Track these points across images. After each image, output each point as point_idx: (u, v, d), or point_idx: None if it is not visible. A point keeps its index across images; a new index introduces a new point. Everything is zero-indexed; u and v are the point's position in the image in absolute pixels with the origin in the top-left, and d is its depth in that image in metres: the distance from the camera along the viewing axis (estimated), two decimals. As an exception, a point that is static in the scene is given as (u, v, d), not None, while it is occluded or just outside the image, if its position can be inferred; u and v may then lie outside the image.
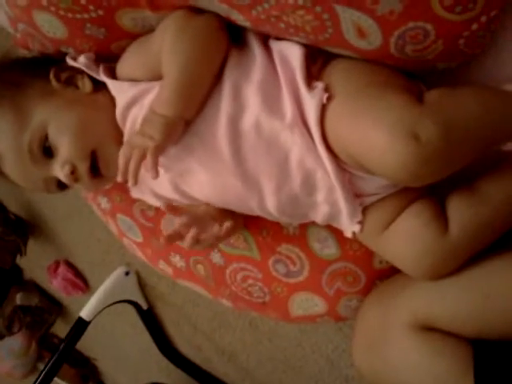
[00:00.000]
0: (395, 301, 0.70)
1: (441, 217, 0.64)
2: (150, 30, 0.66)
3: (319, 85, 0.59)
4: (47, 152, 0.67)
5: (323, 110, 0.58)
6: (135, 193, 0.78)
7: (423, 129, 0.50)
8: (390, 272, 0.75)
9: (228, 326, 1.31)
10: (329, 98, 0.58)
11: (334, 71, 0.61)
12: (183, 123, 0.62)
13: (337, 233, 0.74)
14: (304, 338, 1.15)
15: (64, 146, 0.66)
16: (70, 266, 1.69)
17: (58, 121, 0.67)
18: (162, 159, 0.63)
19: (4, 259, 1.45)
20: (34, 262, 1.61)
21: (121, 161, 0.62)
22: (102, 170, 0.69)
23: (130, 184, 0.62)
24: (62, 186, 0.72)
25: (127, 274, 1.40)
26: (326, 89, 0.59)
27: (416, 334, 0.66)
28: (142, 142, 0.60)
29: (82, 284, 1.69)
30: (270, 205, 0.66)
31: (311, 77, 0.61)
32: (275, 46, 0.63)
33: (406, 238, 0.65)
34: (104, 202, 0.89)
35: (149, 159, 0.59)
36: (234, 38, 0.65)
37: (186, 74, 0.61)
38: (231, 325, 1.30)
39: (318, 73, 0.62)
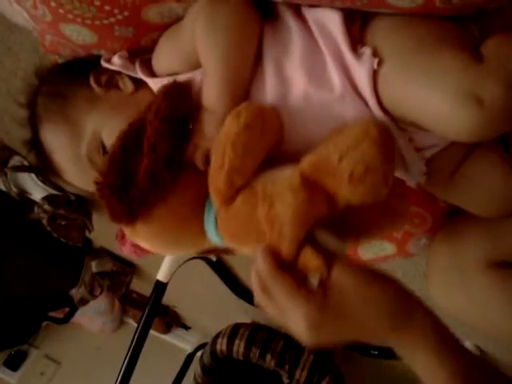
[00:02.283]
0: (466, 240, 0.71)
1: (507, 158, 0.62)
2: (177, 20, 0.64)
3: (367, 50, 0.56)
4: None
5: (375, 75, 0.56)
6: None
7: (485, 90, 0.48)
8: (456, 207, 0.75)
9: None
10: (379, 63, 0.55)
11: (378, 31, 0.58)
12: None
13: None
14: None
15: None
16: (135, 230, 1.74)
17: (109, 127, 0.66)
18: None
19: (75, 238, 1.53)
20: (102, 232, 1.68)
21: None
22: None
23: None
24: None
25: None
26: (374, 53, 0.56)
27: (493, 271, 0.67)
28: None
29: (150, 246, 1.75)
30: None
31: (354, 40, 0.58)
32: (309, 14, 0.60)
33: (473, 182, 0.65)
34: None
35: None
36: (264, 12, 0.62)
37: (229, 63, 0.59)
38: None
39: (360, 34, 0.59)
